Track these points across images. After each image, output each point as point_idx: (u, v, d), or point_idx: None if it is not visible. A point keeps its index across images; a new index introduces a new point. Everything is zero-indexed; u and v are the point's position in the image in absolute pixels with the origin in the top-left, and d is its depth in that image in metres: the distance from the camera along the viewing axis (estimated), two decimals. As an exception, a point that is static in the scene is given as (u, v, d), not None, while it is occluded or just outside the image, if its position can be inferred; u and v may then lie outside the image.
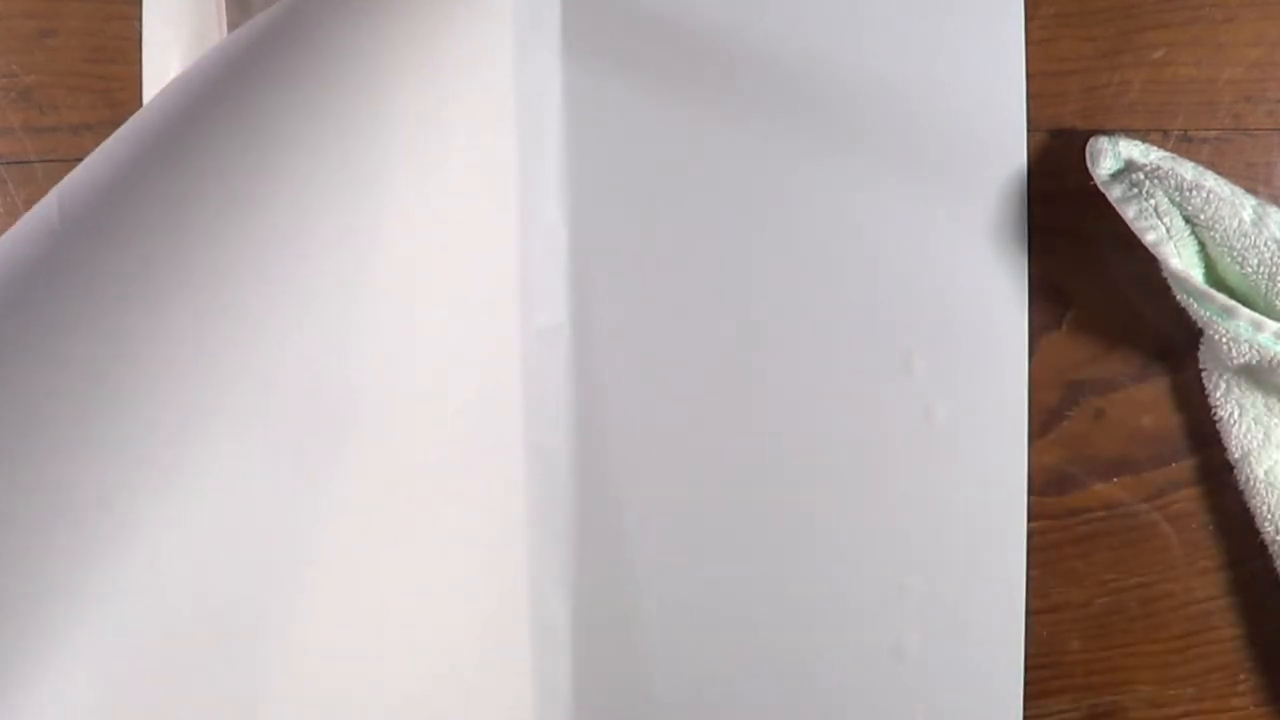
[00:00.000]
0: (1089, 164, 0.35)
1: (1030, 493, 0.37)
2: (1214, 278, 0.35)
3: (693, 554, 0.38)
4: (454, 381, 0.37)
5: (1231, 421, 0.36)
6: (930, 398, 0.37)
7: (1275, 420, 0.35)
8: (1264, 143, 0.37)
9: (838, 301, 0.37)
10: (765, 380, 0.38)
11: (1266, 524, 0.36)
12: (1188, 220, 0.34)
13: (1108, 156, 0.35)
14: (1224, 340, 0.33)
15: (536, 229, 0.38)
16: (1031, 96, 0.37)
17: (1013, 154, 0.37)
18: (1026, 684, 0.38)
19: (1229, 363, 0.34)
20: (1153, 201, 0.34)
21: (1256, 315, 0.33)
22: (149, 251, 0.34)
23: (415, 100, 0.37)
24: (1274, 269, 0.33)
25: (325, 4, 0.36)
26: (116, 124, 0.35)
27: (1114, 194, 0.34)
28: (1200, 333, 0.35)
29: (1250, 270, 0.34)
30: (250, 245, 0.36)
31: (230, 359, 0.36)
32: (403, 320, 0.37)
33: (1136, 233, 0.34)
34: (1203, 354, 0.36)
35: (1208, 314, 0.33)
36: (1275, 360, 0.33)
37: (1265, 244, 0.33)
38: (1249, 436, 0.35)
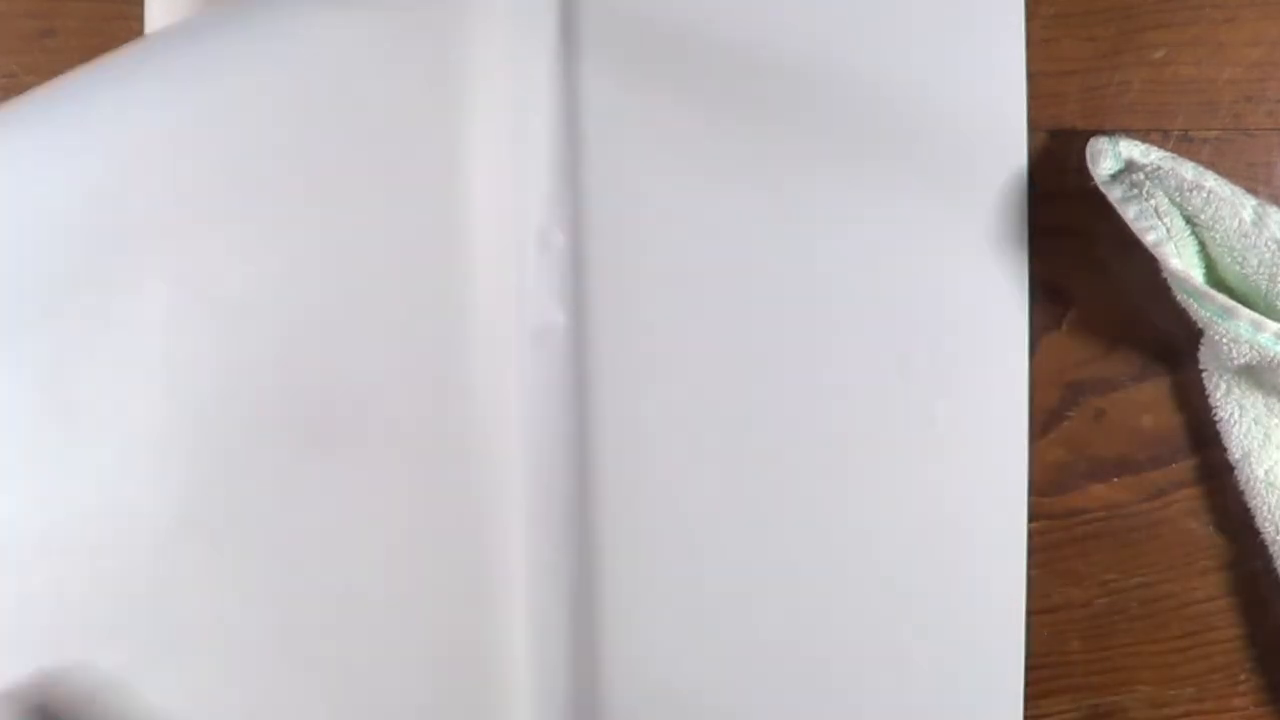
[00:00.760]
0: (1089, 164, 0.35)
1: (1030, 493, 0.37)
2: (1214, 278, 0.35)
3: (692, 554, 0.38)
4: (452, 382, 0.37)
5: (1232, 422, 0.36)
6: (930, 398, 0.37)
7: (1275, 420, 0.35)
8: (1264, 143, 0.37)
9: (838, 301, 0.37)
10: (764, 380, 0.38)
11: (1267, 524, 0.36)
12: (1188, 220, 0.34)
13: (1108, 157, 0.35)
14: (1224, 340, 0.33)
15: (534, 230, 0.38)
16: (1031, 96, 0.37)
17: (1013, 154, 0.37)
18: (1026, 684, 0.38)
19: (1229, 363, 0.34)
20: (1153, 202, 0.34)
21: (1257, 315, 0.33)
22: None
23: (414, 100, 0.37)
24: (1274, 269, 0.33)
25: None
26: (116, 124, 0.35)
27: (1114, 194, 0.34)
28: (1200, 333, 0.35)
29: (1250, 270, 0.34)
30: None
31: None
32: (401, 321, 0.37)
33: (1137, 233, 0.34)
34: (1203, 354, 0.36)
35: (1208, 314, 0.33)
36: (1276, 361, 0.33)
37: (1265, 244, 0.33)
38: (1249, 437, 0.35)
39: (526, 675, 0.38)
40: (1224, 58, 0.37)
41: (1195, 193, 0.34)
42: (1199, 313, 0.34)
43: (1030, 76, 0.37)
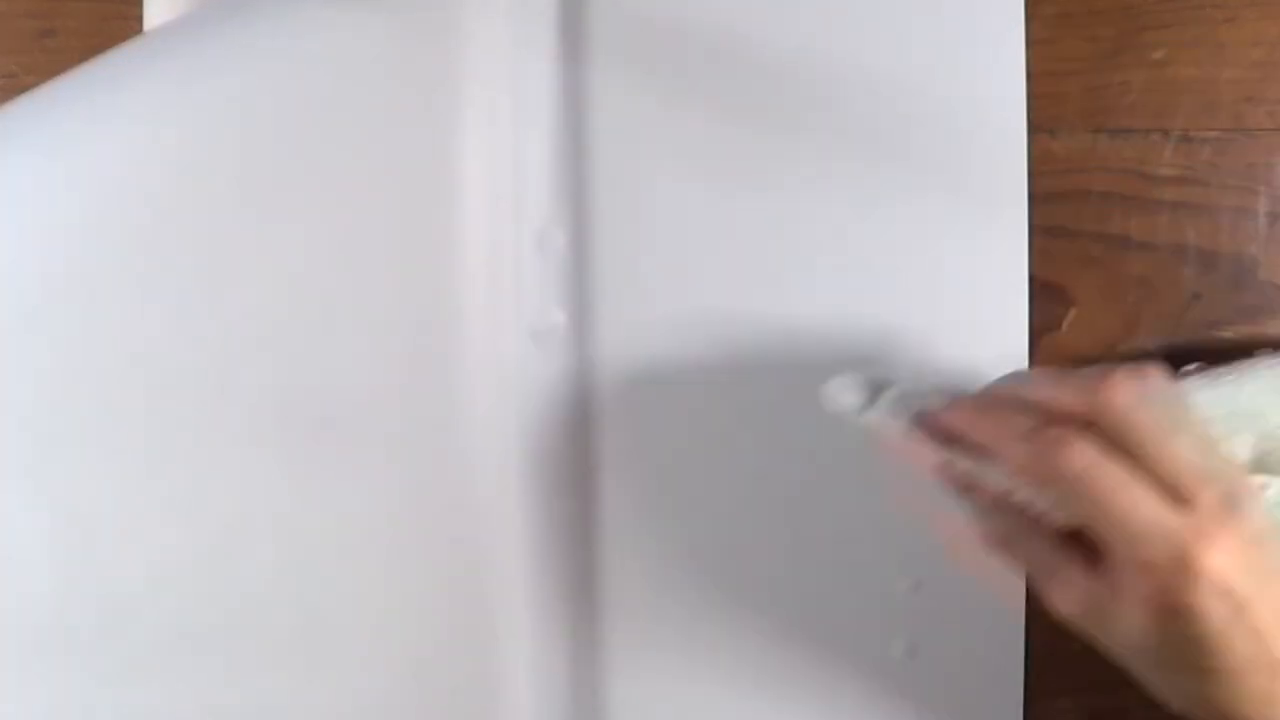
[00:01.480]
0: (830, 405, 0.34)
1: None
2: None
3: (692, 554, 0.38)
4: (452, 382, 0.37)
5: None
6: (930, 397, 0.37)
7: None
8: (1264, 143, 0.37)
9: (837, 301, 0.37)
10: (764, 380, 0.38)
11: None
12: None
13: (849, 391, 0.34)
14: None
15: (534, 230, 0.38)
16: (1032, 96, 0.37)
17: (1013, 154, 0.37)
18: (1026, 684, 0.38)
19: None
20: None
21: None
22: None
23: (413, 100, 0.37)
24: None
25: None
26: (116, 124, 0.35)
27: (875, 424, 0.33)
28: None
29: None
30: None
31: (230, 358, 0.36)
32: (400, 321, 0.37)
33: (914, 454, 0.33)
34: None
35: None
36: None
37: None
38: None
39: (526, 676, 0.38)
40: (1224, 58, 0.37)
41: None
42: None
43: (1030, 76, 0.37)
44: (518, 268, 0.37)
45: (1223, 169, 0.37)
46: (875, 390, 0.34)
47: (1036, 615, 0.38)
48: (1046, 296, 0.37)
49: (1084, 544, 0.30)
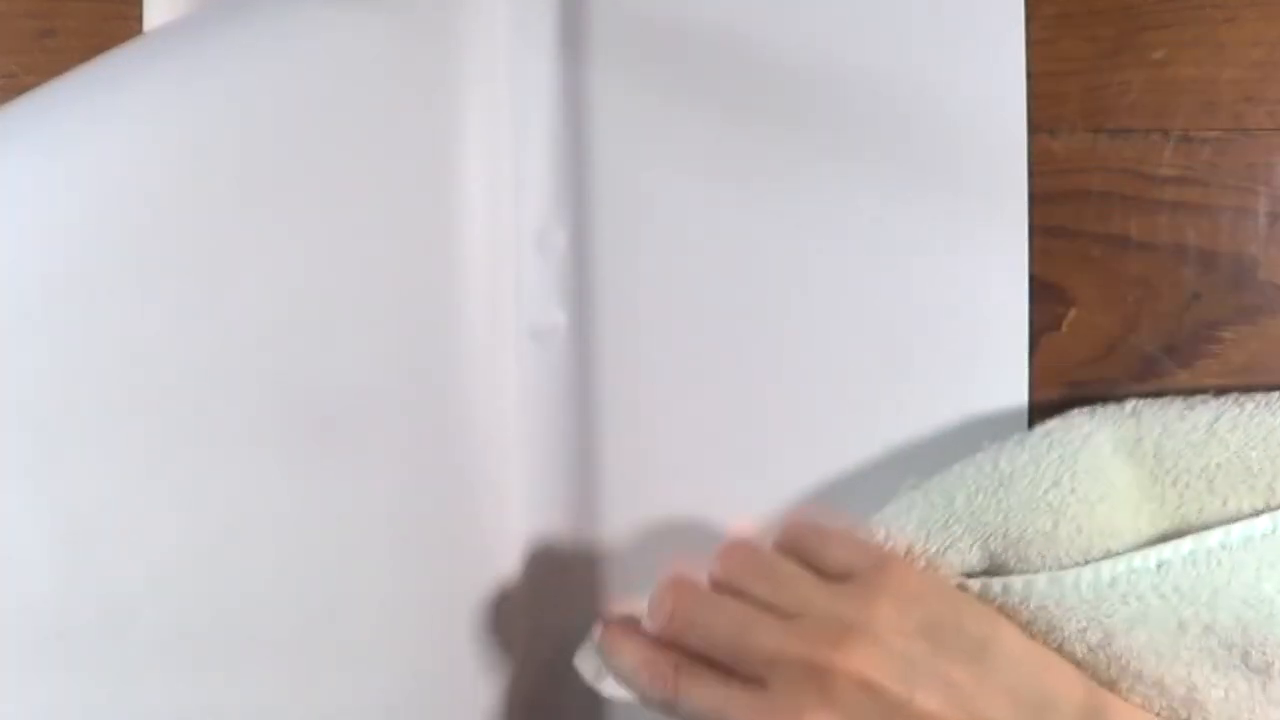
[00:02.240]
0: (589, 679, 0.36)
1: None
2: None
3: (691, 554, 0.38)
4: (451, 382, 0.37)
5: None
6: (930, 398, 0.37)
7: None
8: (1264, 143, 0.37)
9: (837, 301, 0.37)
10: (763, 380, 0.38)
11: None
12: None
13: (585, 662, 0.36)
14: None
15: (534, 230, 0.38)
16: (1032, 96, 0.37)
17: (1013, 154, 0.37)
18: (1026, 684, 0.37)
19: None
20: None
21: None
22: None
23: (413, 100, 0.37)
24: None
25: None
26: (116, 124, 0.35)
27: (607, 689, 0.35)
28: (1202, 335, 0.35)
29: None
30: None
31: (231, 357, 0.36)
32: (400, 321, 0.37)
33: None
34: None
35: None
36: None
37: None
38: None
39: (527, 678, 0.38)
40: (1224, 58, 0.37)
41: None
42: None
43: (1030, 76, 0.37)
44: (518, 268, 0.37)
45: (1223, 169, 0.37)
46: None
47: None
48: (1046, 296, 0.37)
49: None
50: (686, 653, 0.33)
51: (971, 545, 0.34)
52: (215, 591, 0.37)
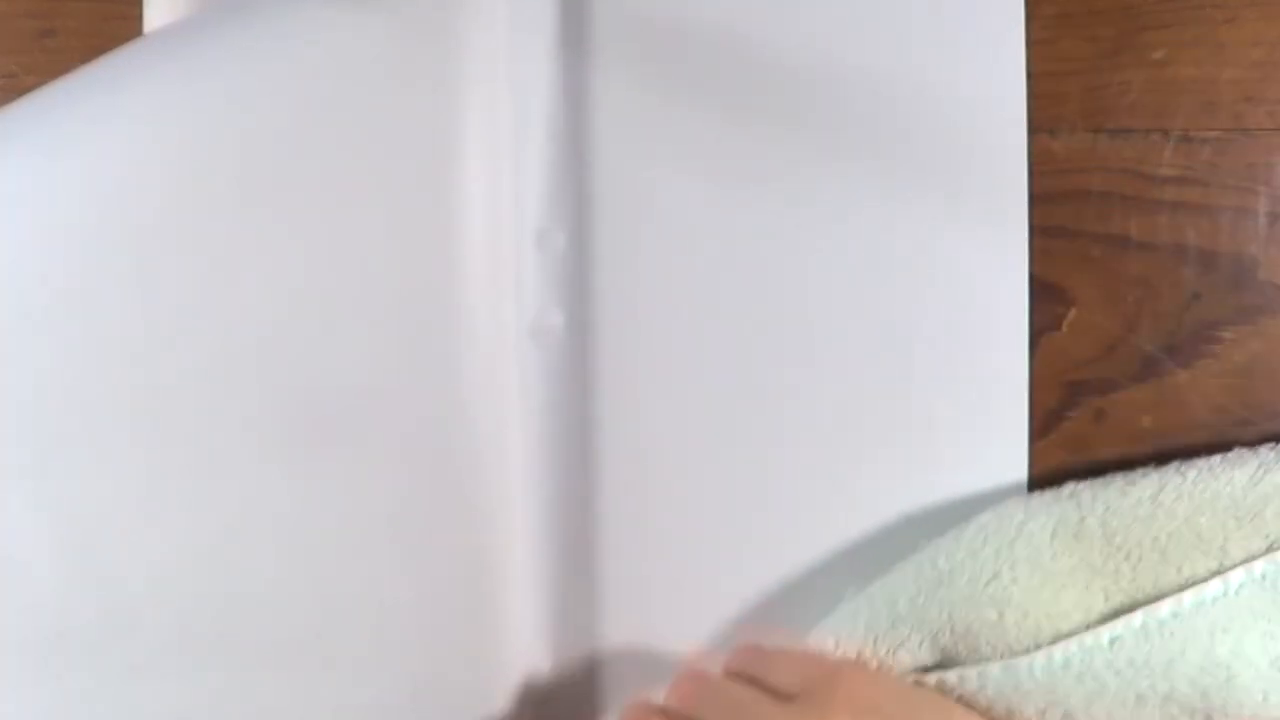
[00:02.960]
0: None
1: (1030, 493, 0.37)
2: None
3: (692, 555, 0.38)
4: (451, 383, 0.37)
5: None
6: (930, 398, 0.37)
7: None
8: (1264, 143, 0.37)
9: (837, 302, 0.37)
10: (764, 380, 0.38)
11: None
12: None
13: None
14: None
15: (534, 230, 0.38)
16: (1032, 96, 0.37)
17: (1013, 154, 0.37)
18: (1026, 684, 0.38)
19: None
20: None
21: None
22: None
23: (412, 100, 0.37)
24: None
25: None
26: (116, 125, 0.35)
27: None
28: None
29: None
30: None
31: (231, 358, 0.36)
32: (400, 321, 0.37)
33: None
34: None
35: None
36: None
37: None
38: None
39: (527, 677, 0.38)
40: (1224, 58, 0.37)
41: None
42: None
43: (1030, 76, 0.37)
44: (518, 268, 0.37)
45: (1223, 169, 0.37)
46: None
47: None
48: (1046, 296, 0.37)
49: None
50: None
51: (920, 643, 0.35)
52: (216, 592, 0.37)
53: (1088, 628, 0.33)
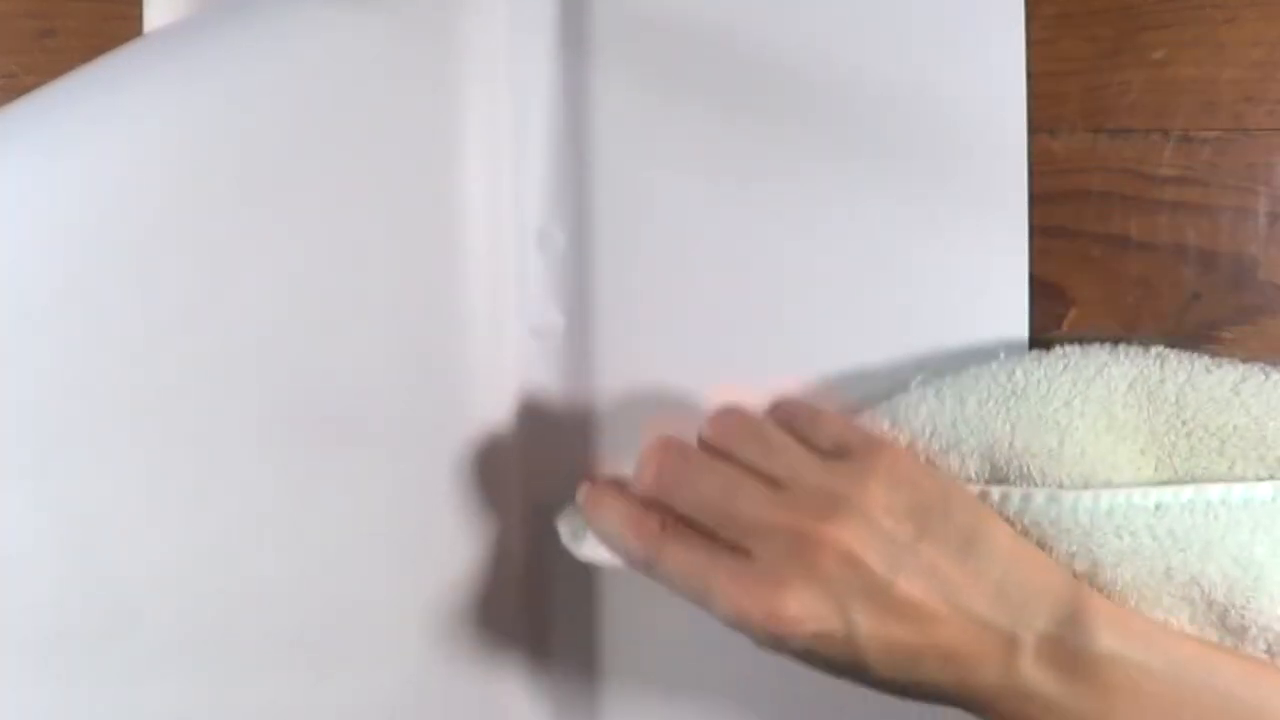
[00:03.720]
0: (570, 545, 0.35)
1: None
2: None
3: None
4: (451, 382, 0.37)
5: None
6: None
7: None
8: (1264, 143, 0.37)
9: (837, 302, 0.37)
10: (764, 380, 0.38)
11: None
12: None
13: (564, 524, 0.35)
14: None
15: (534, 230, 0.38)
16: (1032, 96, 0.37)
17: (1013, 154, 0.37)
18: None
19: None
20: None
21: None
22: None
23: (413, 99, 0.37)
24: None
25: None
26: (116, 125, 0.35)
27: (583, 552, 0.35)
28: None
29: None
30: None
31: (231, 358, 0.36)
32: (400, 320, 0.37)
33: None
34: None
35: None
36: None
37: None
38: None
39: (524, 678, 0.38)
40: (1224, 58, 0.37)
41: None
42: None
43: (1030, 76, 0.37)
44: (518, 268, 0.37)
45: (1223, 169, 0.37)
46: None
47: None
48: (1046, 296, 0.37)
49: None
50: (672, 515, 0.33)
51: (974, 450, 0.34)
52: (216, 591, 0.37)
53: (1136, 486, 0.33)
